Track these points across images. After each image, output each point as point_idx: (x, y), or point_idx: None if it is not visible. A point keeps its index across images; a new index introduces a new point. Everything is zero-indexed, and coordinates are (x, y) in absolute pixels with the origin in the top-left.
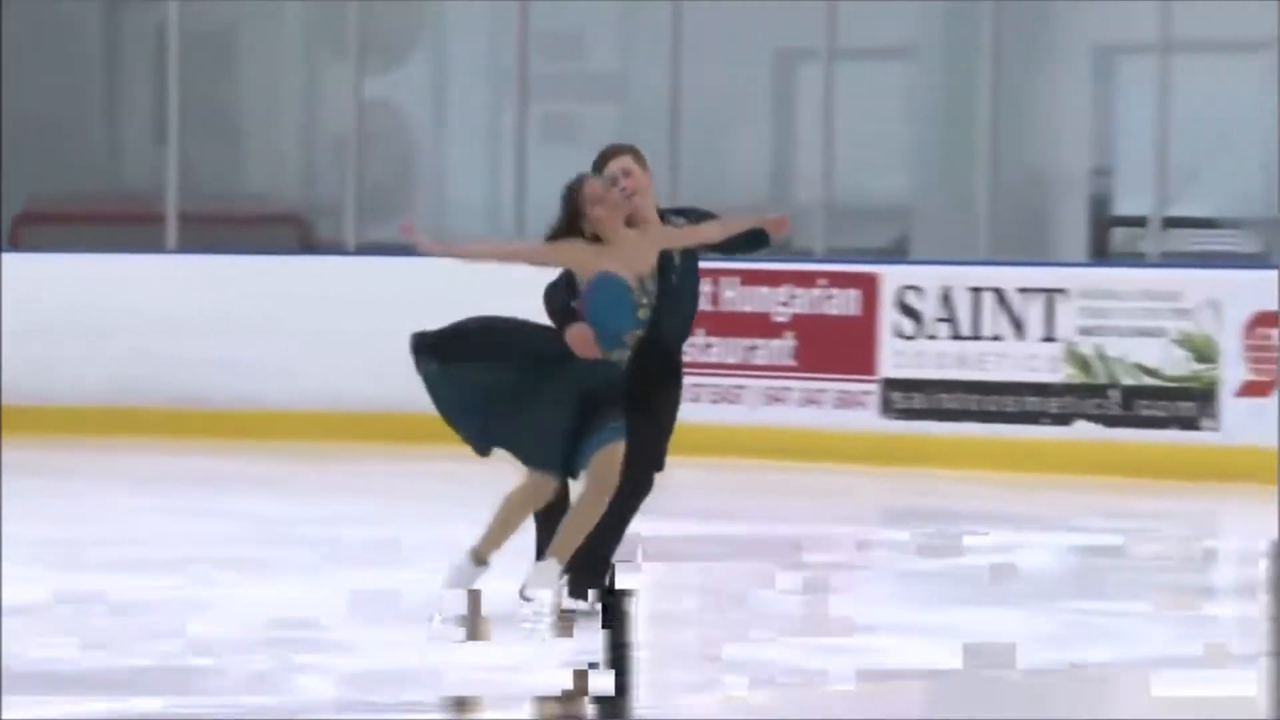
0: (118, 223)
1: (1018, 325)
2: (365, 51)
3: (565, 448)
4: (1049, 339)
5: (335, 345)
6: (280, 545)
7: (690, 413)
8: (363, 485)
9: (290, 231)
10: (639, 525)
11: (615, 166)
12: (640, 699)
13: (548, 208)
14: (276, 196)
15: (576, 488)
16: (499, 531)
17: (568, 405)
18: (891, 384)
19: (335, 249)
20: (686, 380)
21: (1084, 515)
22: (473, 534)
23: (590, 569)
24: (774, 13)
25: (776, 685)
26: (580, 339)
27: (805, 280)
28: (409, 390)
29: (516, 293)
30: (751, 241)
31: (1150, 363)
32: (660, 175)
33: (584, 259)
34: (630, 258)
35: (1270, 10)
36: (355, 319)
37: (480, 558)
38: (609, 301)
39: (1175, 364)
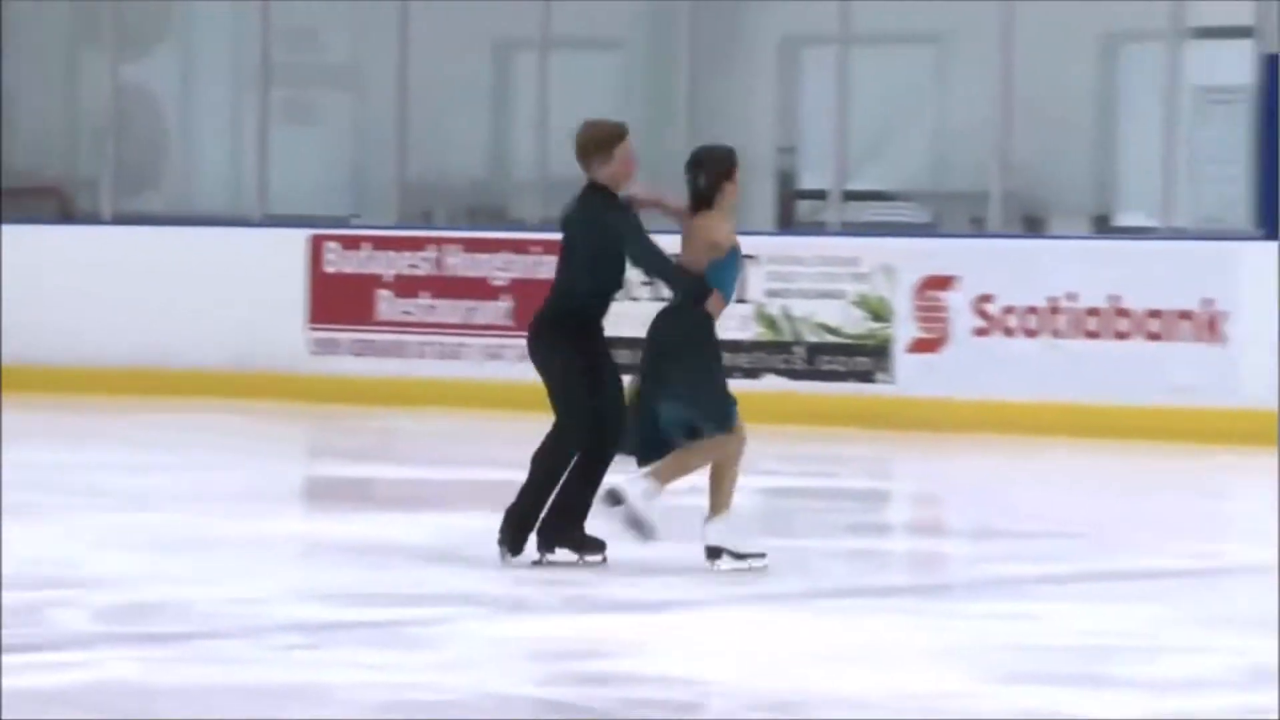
0: None
1: None
2: (121, 42)
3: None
4: (740, 300)
5: (93, 306)
6: (42, 490)
7: (416, 368)
8: (120, 434)
9: (52, 203)
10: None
11: (629, 146)
12: None
13: (287, 184)
14: (40, 171)
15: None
16: (681, 470)
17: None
18: None
19: (93, 219)
20: (414, 339)
21: (772, 460)
22: (223, 478)
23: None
24: (493, 8)
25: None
26: (721, 307)
27: (520, 248)
28: (160, 346)
29: (255, 264)
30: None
31: (831, 322)
32: (388, 156)
33: (730, 230)
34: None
35: (937, 7)
36: (111, 282)
37: (661, 484)
38: (738, 273)
39: (853, 323)
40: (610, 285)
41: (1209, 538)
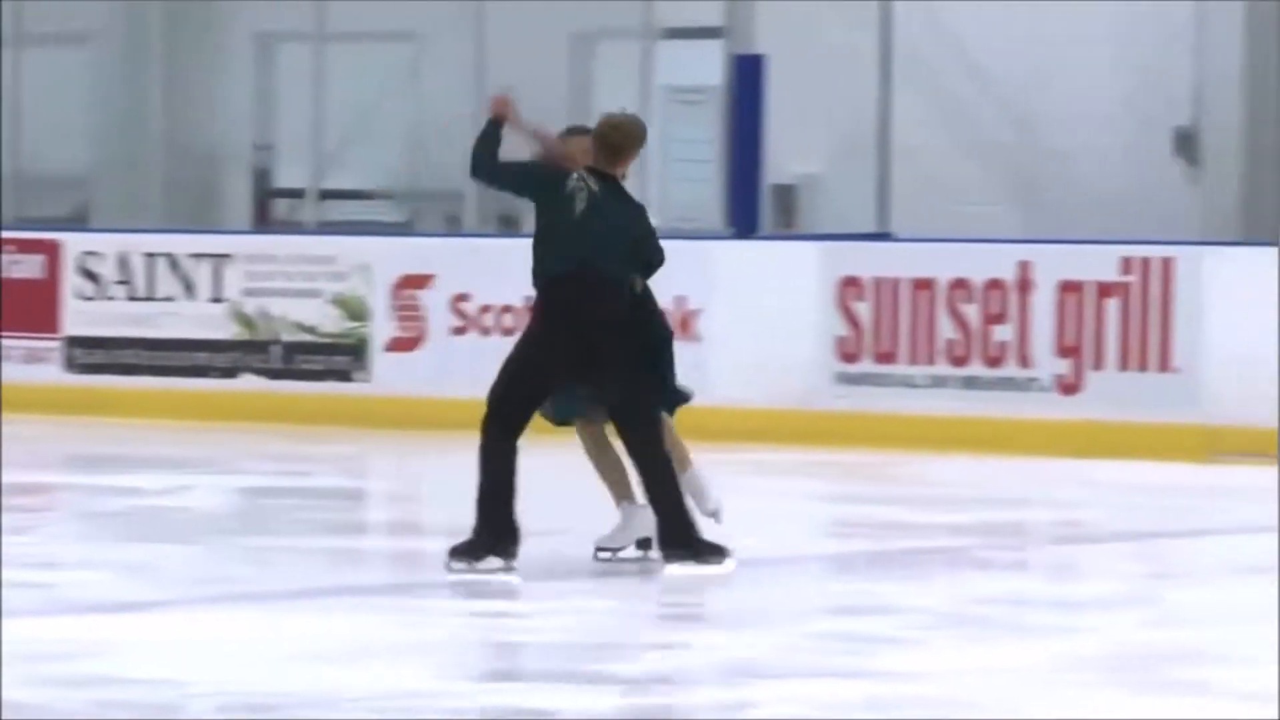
0: None
1: (189, 287)
2: None
3: None
4: (217, 300)
5: None
6: None
7: None
8: None
9: None
10: None
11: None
12: None
13: None
14: None
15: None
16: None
17: None
18: (74, 341)
19: None
20: None
21: (250, 459)
22: None
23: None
24: None
25: None
26: None
27: None
28: None
29: None
30: None
31: (308, 321)
32: None
33: None
34: None
35: (410, 6)
36: None
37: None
38: None
39: (331, 322)
40: None
41: None
